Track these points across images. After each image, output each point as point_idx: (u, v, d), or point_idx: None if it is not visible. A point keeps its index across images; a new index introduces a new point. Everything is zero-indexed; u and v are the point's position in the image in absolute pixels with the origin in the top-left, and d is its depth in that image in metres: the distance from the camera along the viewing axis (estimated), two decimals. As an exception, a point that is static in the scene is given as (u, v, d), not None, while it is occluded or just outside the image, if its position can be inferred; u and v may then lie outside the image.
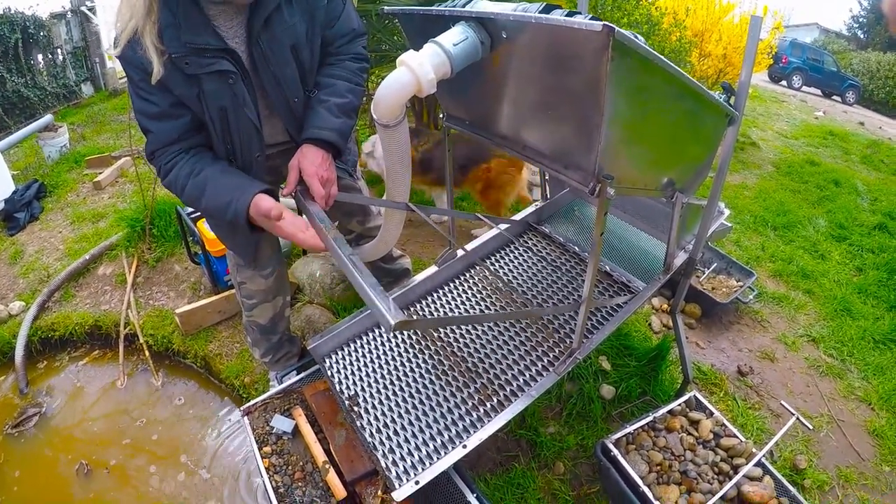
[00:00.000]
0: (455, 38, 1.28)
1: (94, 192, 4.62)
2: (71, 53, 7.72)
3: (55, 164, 5.29)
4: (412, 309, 2.09)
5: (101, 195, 4.57)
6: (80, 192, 4.65)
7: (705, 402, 2.14)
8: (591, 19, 1.02)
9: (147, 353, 2.92)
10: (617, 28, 0.94)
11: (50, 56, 7.43)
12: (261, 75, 1.49)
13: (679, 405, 2.13)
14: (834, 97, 15.52)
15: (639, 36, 1.07)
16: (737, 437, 2.01)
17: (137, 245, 3.51)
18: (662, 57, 1.09)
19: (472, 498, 1.53)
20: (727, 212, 2.29)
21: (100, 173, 4.79)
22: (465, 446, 1.49)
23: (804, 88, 15.39)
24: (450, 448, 1.55)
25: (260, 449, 1.75)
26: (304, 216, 1.79)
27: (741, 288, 3.13)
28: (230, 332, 2.95)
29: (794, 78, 15.52)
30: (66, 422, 2.65)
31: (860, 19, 24.32)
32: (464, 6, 1.37)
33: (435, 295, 2.13)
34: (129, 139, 4.69)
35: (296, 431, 1.79)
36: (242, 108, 1.47)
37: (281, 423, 1.79)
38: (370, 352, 1.96)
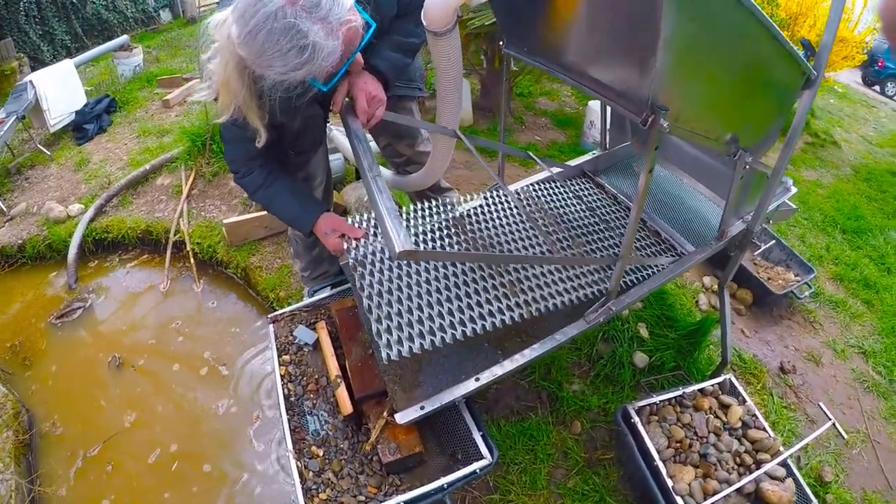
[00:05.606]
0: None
1: (162, 110, 4.76)
2: (151, -21, 7.92)
3: (128, 83, 5.48)
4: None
5: (168, 113, 4.71)
6: (148, 109, 4.81)
7: (740, 388, 2.04)
8: None
9: (192, 260, 3.03)
10: None
11: (130, -20, 7.64)
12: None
13: (712, 385, 2.04)
14: (928, 113, 14.24)
15: None
16: (766, 432, 1.91)
17: (196, 159, 3.61)
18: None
19: (477, 436, 1.49)
20: (794, 189, 2.12)
21: (169, 93, 4.92)
22: (477, 379, 1.46)
23: (897, 98, 14.18)
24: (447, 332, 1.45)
25: (279, 357, 1.77)
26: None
27: (798, 283, 2.96)
28: (273, 248, 3.03)
29: (888, 84, 14.21)
30: (106, 317, 2.83)
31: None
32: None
33: (475, 217, 1.94)
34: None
35: (317, 344, 1.80)
36: (318, 126, 1.73)
37: (303, 335, 1.80)
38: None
